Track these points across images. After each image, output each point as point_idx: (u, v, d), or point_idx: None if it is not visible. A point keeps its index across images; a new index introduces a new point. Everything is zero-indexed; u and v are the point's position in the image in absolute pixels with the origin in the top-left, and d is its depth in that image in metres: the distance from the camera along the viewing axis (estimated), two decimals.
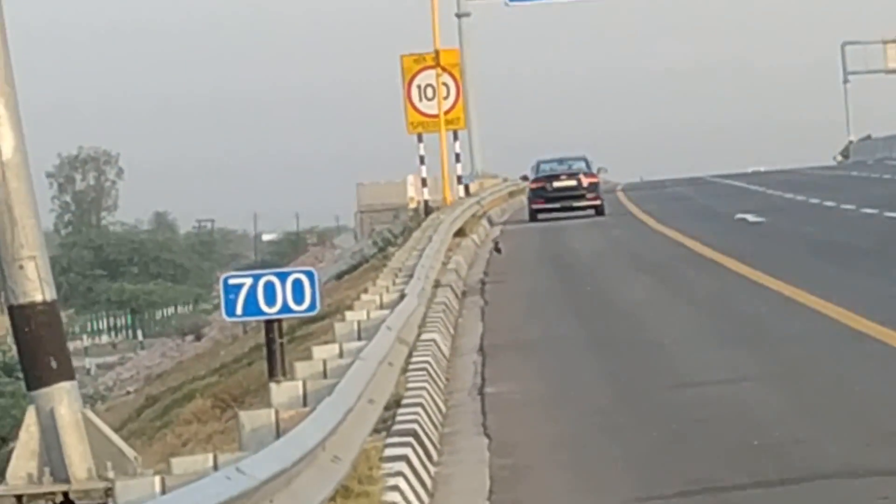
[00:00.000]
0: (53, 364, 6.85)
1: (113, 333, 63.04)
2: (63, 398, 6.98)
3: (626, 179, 59.26)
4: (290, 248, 70.98)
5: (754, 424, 8.67)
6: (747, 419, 8.94)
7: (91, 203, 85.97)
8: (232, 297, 7.95)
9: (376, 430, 7.37)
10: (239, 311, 8.09)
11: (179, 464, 5.11)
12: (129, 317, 64.08)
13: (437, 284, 17.60)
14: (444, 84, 33.40)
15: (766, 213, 32.55)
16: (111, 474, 7.00)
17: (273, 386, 7.50)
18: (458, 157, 36.27)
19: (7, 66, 7.06)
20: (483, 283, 21.62)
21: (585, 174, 36.84)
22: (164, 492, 4.50)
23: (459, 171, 36.77)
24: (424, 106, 33.37)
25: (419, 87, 33.47)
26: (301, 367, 7.47)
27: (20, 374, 10.90)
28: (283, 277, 8.02)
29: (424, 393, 9.49)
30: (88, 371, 48.01)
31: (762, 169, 57.63)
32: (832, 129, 69.12)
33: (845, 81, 63.13)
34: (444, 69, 33.54)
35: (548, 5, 50.69)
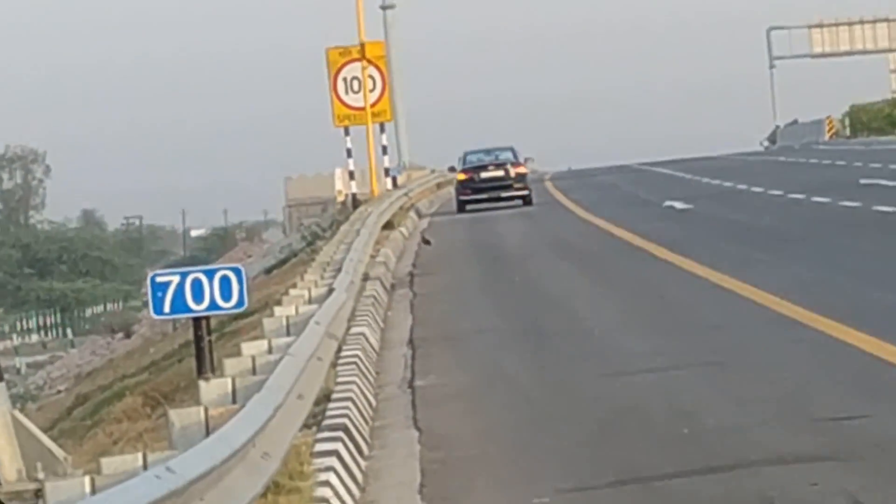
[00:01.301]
0: None
1: (43, 332, 62.68)
2: None
3: (555, 168, 59.92)
4: (218, 244, 71.70)
5: (684, 413, 8.72)
6: (677, 408, 8.98)
7: (19, 202, 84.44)
8: (160, 294, 7.87)
9: (306, 426, 7.31)
10: (167, 308, 8.02)
11: (109, 464, 5.10)
12: (58, 315, 62.96)
13: (365, 277, 17.57)
14: (371, 77, 33.32)
15: (693, 200, 32.79)
16: (41, 475, 7.05)
17: (202, 383, 7.43)
18: (384, 149, 36.49)
19: None
20: (412, 275, 21.59)
21: (513, 164, 37.15)
22: (94, 492, 4.51)
23: (387, 164, 36.87)
24: (351, 99, 33.25)
25: (345, 79, 33.33)
26: (230, 364, 7.41)
27: None
28: (210, 274, 7.96)
29: (354, 387, 9.46)
30: (18, 370, 47.99)
31: (690, 156, 58.01)
32: (759, 114, 69.90)
33: (771, 67, 63.78)
34: (369, 61, 33.35)
35: None
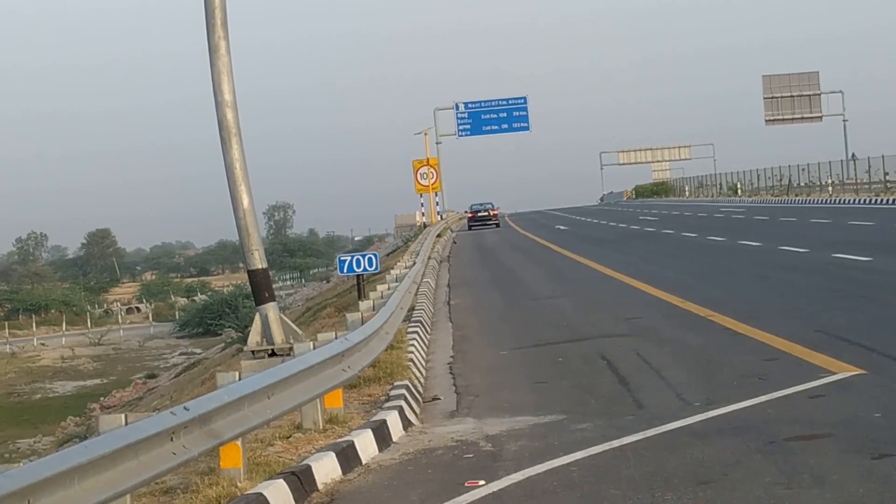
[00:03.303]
0: (267, 294, 11.56)
1: (292, 281, 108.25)
2: (271, 308, 11.50)
3: (510, 211, 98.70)
4: (366, 243, 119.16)
5: (563, 315, 17.14)
6: (561, 313, 17.47)
7: (278, 222, 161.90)
8: (342, 264, 17.11)
9: (405, 320, 15.90)
10: (345, 270, 17.29)
11: (321, 336, 10.18)
12: (300, 273, 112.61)
13: (429, 258, 31.65)
14: (432, 172, 66.88)
15: (569, 225, 61.46)
16: (291, 340, 11.30)
17: (360, 302, 15.85)
18: (437, 203, 71.13)
19: None
20: (449, 257, 39.93)
21: (491, 209, 68.70)
22: (314, 347, 9.00)
23: (437, 209, 71.02)
24: (423, 181, 66.54)
25: (421, 174, 66.55)
26: (372, 294, 15.95)
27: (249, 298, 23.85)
28: (364, 255, 17.15)
29: (425, 304, 18.50)
30: (281, 297, 70.97)
31: (567, 206, 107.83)
32: (597, 188, 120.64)
33: (602, 168, 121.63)
34: (431, 166, 67.43)
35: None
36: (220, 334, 54.68)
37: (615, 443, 9.60)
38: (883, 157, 53.54)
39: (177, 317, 79.33)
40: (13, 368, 59.06)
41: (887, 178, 51.61)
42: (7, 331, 74.32)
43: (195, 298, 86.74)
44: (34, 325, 77.67)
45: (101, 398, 39.42)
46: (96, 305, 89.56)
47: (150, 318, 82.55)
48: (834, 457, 8.50)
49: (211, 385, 11.79)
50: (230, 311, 60.96)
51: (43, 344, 70.52)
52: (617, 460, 8.94)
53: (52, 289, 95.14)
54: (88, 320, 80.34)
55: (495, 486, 8.58)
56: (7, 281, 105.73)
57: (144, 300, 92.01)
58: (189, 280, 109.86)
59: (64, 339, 71.81)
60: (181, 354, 55.47)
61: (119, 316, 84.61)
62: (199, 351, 53.02)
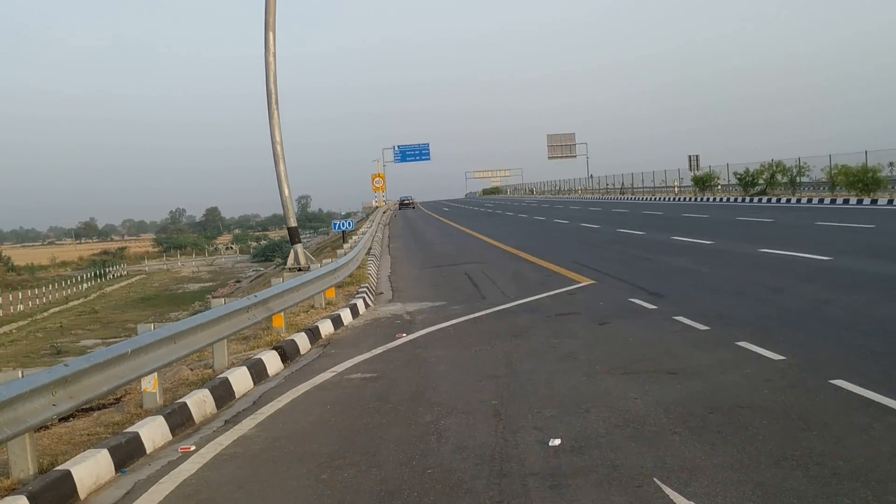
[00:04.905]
0: (297, 239, 25.37)
1: (309, 234, 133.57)
2: (299, 246, 20.96)
3: (421, 200, 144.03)
4: (348, 216, 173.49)
5: (446, 253, 31.60)
6: (445, 252, 31.90)
7: (304, 204, 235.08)
8: (336, 224, 31.80)
9: (367, 254, 30.05)
10: (337, 228, 32.36)
11: (325, 262, 20.07)
12: (313, 231, 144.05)
13: (380, 224, 50.12)
14: (380, 180, 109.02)
15: (450, 208, 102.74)
16: (309, 263, 20.28)
17: (344, 245, 30.15)
18: (384, 196, 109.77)
19: None
20: (389, 224, 61.20)
21: (411, 200, 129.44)
22: (321, 266, 18.71)
23: (384, 199, 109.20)
24: (377, 185, 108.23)
25: (375, 182, 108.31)
26: (350, 241, 30.35)
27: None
28: (347, 221, 32.00)
29: (377, 247, 33.26)
30: (303, 242, 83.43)
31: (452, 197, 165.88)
32: (462, 188, 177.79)
33: (466, 179, 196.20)
34: (380, 177, 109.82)
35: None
36: (273, 261, 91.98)
37: (472, 316, 14.66)
38: (605, 176, 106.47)
39: (251, 252, 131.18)
40: (167, 278, 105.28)
41: (606, 186, 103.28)
42: (164, 257, 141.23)
43: (261, 242, 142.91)
44: (178, 255, 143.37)
45: (212, 292, 62.60)
46: (210, 246, 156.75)
47: (238, 253, 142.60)
48: (581, 324, 13.17)
49: (267, 285, 16.16)
50: (279, 249, 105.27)
51: (182, 265, 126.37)
52: (473, 324, 13.77)
53: (187, 237, 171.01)
54: (206, 253, 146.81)
55: (411, 337, 13.08)
56: (165, 232, 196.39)
57: (235, 244, 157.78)
58: (257, 233, 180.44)
59: (194, 263, 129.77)
60: (254, 271, 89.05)
61: (222, 252, 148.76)
62: (262, 269, 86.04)
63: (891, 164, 50.08)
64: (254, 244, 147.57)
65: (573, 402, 8.95)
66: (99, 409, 10.99)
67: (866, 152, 49.39)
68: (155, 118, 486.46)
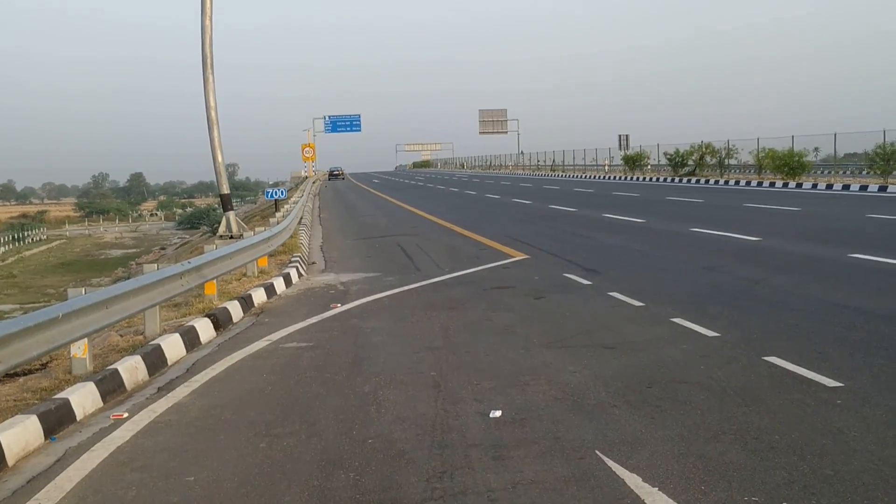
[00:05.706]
0: (229, 206, 28.28)
1: (236, 202, 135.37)
2: (231, 214, 27.49)
3: (350, 171, 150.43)
4: (275, 185, 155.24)
5: (378, 224, 31.73)
6: (377, 223, 32.10)
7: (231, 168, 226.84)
8: (269, 193, 31.37)
9: (298, 223, 30.13)
10: (270, 196, 31.84)
11: (258, 230, 26.92)
12: (241, 199, 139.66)
13: (310, 194, 49.56)
14: (310, 150, 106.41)
15: (380, 181, 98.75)
16: (241, 231, 20.87)
17: (276, 214, 30.16)
18: (313, 166, 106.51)
19: None
20: (319, 193, 61.59)
21: (340, 170, 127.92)
22: (254, 235, 25.26)
23: (314, 169, 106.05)
24: (307, 154, 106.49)
25: (306, 151, 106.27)
26: (282, 210, 30.26)
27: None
28: (280, 190, 31.49)
29: (308, 217, 33.08)
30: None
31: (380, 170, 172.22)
32: (393, 161, 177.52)
33: (397, 152, 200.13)
34: (310, 147, 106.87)
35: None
36: (199, 228, 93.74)
37: (406, 287, 14.93)
38: (536, 153, 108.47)
39: (176, 219, 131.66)
40: (88, 243, 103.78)
41: (538, 163, 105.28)
42: (87, 223, 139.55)
43: (186, 210, 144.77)
44: (101, 221, 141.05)
45: (136, 259, 63.55)
46: (134, 212, 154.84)
47: (163, 220, 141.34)
48: (516, 297, 13.37)
49: (199, 252, 18.84)
50: (205, 216, 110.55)
51: (104, 231, 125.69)
52: (407, 296, 14.03)
53: (111, 202, 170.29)
54: (129, 219, 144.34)
55: (345, 307, 13.30)
56: (87, 196, 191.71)
57: (160, 210, 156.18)
58: (183, 200, 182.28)
59: (117, 228, 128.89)
60: (179, 238, 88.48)
61: (146, 218, 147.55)
62: (187, 237, 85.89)
63: (816, 149, 51.33)
64: (179, 211, 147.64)
65: (512, 374, 8.99)
66: (24, 374, 10.74)
67: (793, 137, 50.58)
68: (80, 82, 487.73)
